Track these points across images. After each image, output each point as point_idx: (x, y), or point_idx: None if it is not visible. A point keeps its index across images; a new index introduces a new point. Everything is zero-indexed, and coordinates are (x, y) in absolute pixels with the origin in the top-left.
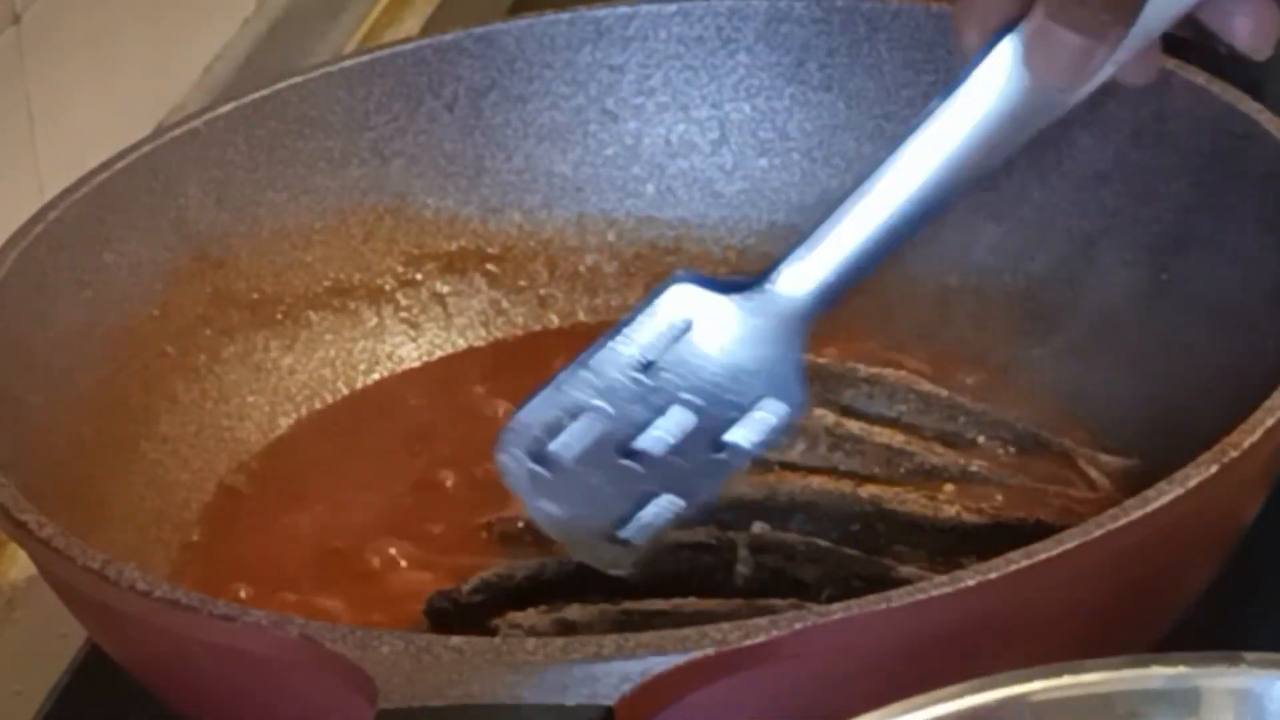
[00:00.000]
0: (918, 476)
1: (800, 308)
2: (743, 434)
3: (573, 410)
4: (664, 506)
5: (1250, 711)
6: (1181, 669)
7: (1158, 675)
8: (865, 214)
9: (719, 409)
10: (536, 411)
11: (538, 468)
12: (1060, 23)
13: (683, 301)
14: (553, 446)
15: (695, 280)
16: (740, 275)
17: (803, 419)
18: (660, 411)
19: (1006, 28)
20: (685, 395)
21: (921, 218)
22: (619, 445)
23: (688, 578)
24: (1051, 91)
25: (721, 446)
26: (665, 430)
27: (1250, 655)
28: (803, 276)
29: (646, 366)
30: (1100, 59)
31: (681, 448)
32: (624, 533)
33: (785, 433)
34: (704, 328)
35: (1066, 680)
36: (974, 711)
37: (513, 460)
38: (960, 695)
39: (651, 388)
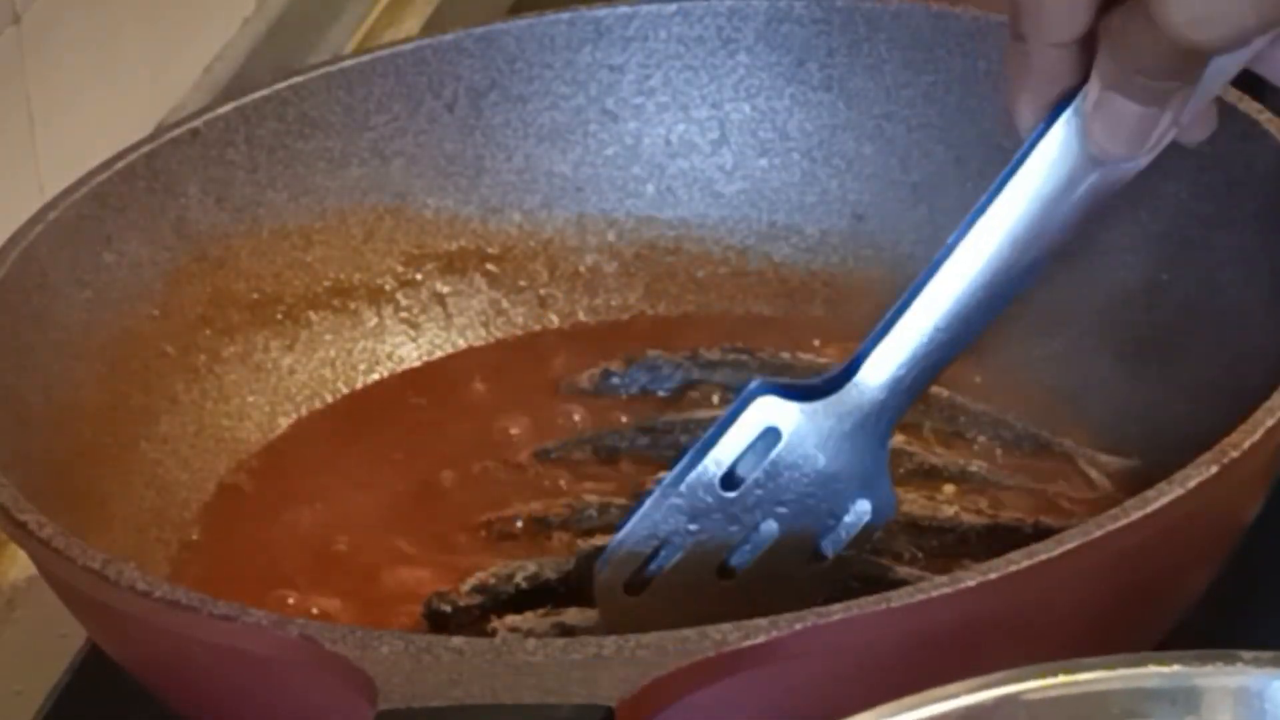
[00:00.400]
0: (917, 477)
1: (881, 406)
2: (831, 542)
3: (663, 537)
4: None
5: (1248, 710)
6: (1177, 668)
7: (1154, 674)
8: (934, 302)
9: (811, 517)
10: (627, 542)
11: (632, 599)
12: (1121, 93)
13: (766, 414)
14: (646, 575)
15: (774, 390)
16: (814, 375)
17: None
18: (752, 526)
19: (1063, 101)
20: (775, 508)
21: (993, 301)
22: (713, 566)
23: None
24: (1113, 161)
25: (820, 556)
26: (758, 545)
27: (1247, 654)
28: (880, 373)
29: (734, 483)
30: (1163, 126)
31: (778, 561)
32: None
33: (875, 531)
34: (788, 438)
35: (1062, 679)
36: (969, 711)
37: (608, 593)
38: (955, 695)
39: (741, 504)
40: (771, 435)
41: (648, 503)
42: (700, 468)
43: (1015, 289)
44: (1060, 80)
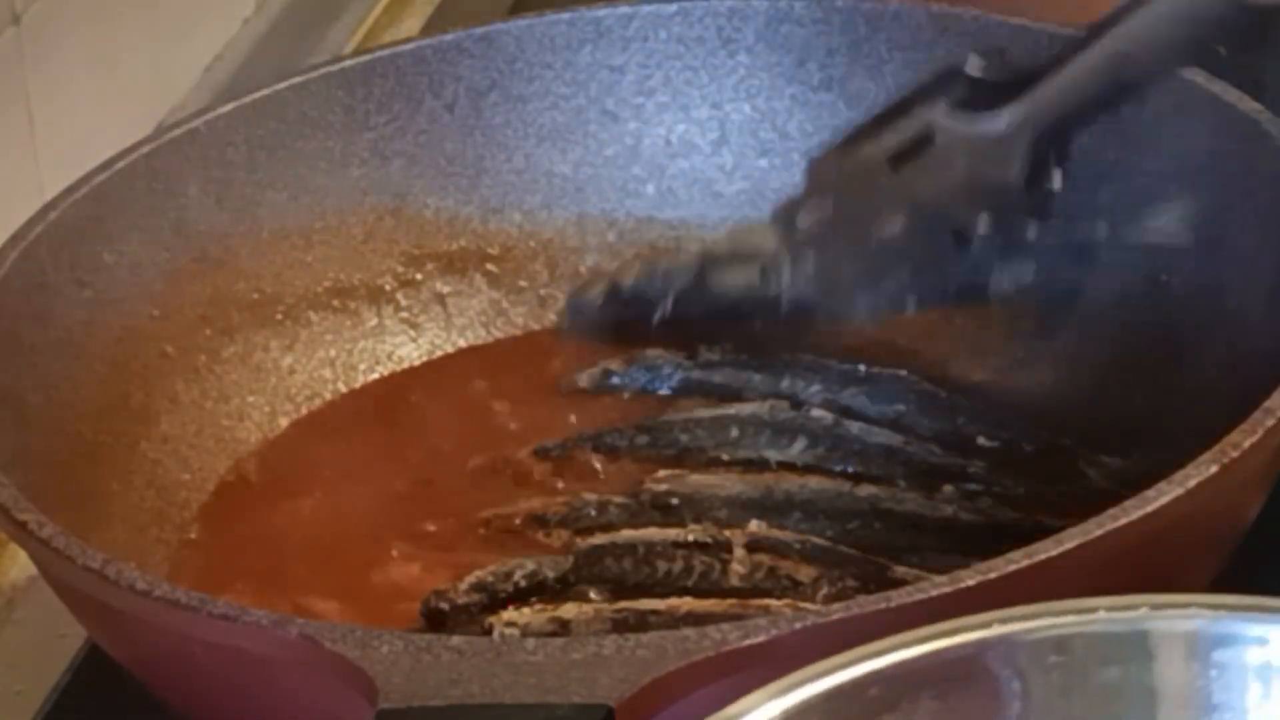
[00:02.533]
0: (916, 476)
1: (1044, 125)
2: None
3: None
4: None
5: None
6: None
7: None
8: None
9: (957, 213)
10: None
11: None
12: None
13: (930, 112)
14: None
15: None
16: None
17: (801, 419)
18: (903, 206)
19: None
20: (924, 196)
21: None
22: (862, 227)
23: (683, 576)
24: None
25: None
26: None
27: (1200, 597)
28: (1049, 93)
29: (892, 163)
30: None
31: (922, 242)
32: (861, 293)
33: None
34: (944, 138)
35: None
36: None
37: (784, 220)
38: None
39: (890, 187)
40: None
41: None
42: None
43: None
44: None
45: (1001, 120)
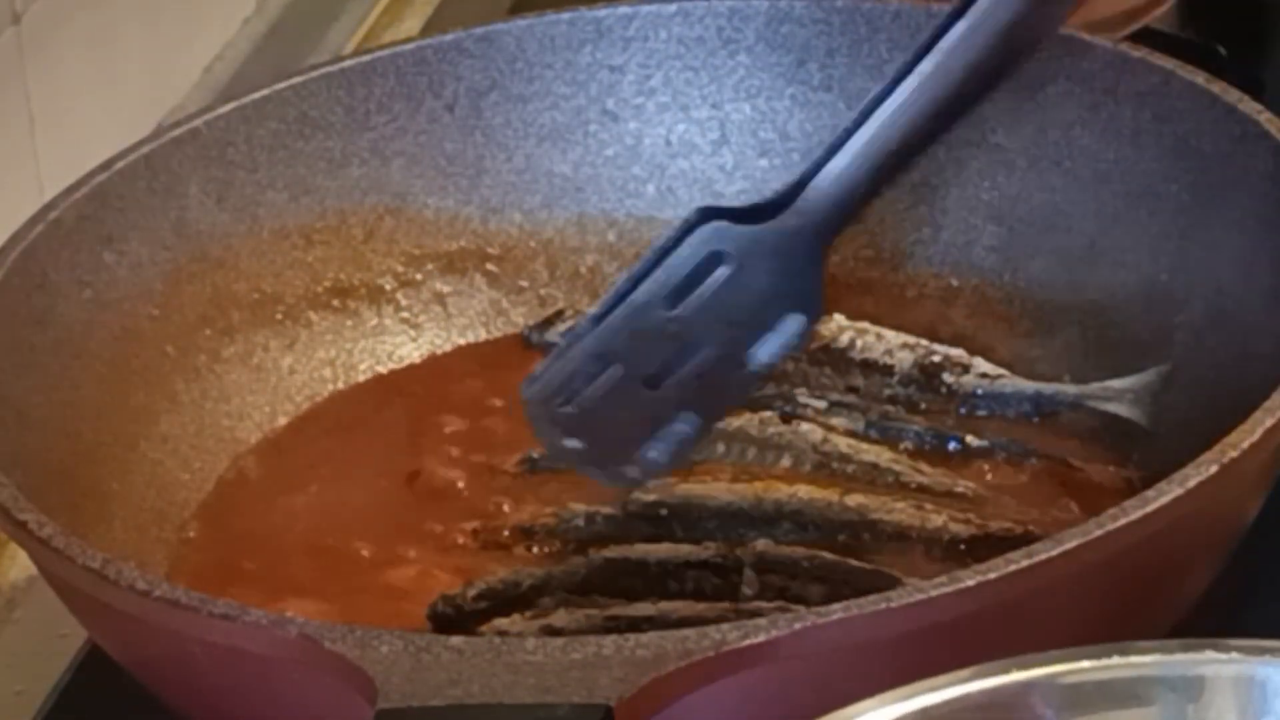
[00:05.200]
0: (904, 491)
1: (822, 224)
2: (765, 350)
3: (600, 354)
4: (687, 424)
5: (1248, 698)
6: (1179, 655)
7: (1155, 661)
8: (884, 127)
9: (740, 331)
10: (560, 363)
11: (564, 409)
12: None
13: (712, 239)
14: (579, 390)
15: (719, 213)
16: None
17: (789, 434)
18: (684, 343)
19: None
20: (709, 325)
21: (937, 126)
22: (644, 378)
23: (694, 596)
24: None
25: (744, 364)
26: (690, 361)
27: (1238, 642)
28: (826, 194)
29: (673, 302)
30: None
31: (705, 371)
32: (648, 452)
33: (804, 341)
34: (730, 260)
35: (1063, 667)
36: (983, 695)
37: (538, 409)
38: (966, 680)
39: (677, 324)
40: (715, 258)
41: (582, 324)
42: (642, 291)
43: (959, 115)
44: None
45: (805, 212)
